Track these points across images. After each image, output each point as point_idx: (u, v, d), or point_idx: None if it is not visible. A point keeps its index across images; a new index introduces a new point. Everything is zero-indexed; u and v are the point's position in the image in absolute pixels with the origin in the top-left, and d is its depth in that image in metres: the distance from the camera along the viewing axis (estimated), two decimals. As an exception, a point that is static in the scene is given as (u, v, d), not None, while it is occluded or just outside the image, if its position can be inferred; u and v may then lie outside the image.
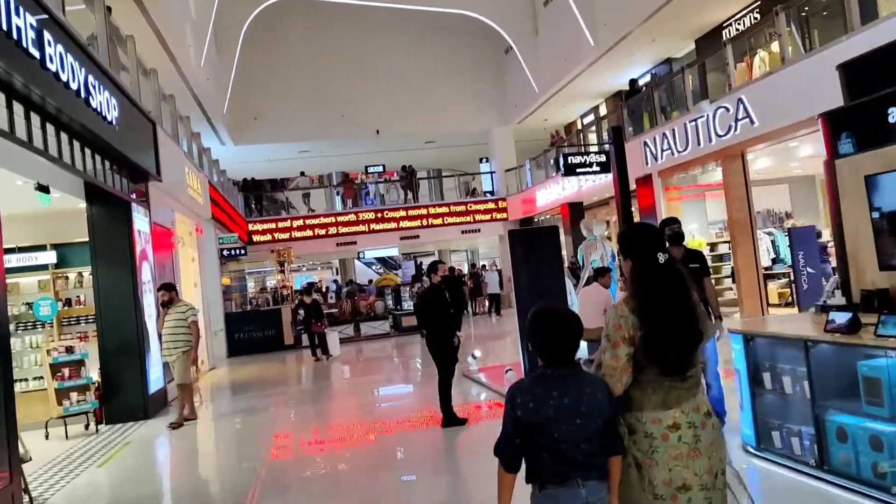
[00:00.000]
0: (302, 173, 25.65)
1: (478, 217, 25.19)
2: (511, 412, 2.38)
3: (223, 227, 17.83)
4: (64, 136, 7.23)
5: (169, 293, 8.55)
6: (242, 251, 17.77)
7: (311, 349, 14.87)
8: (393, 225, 24.38)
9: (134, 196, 9.60)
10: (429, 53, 24.86)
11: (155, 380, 9.47)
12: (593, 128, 23.35)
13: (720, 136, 13.07)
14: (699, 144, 13.70)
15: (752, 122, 12.10)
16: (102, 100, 7.57)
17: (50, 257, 9.53)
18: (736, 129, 12.55)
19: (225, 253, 17.63)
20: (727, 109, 12.76)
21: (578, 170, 9.10)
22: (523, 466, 2.42)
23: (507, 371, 8.10)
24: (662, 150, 15.10)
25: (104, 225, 9.06)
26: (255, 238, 23.12)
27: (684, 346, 2.47)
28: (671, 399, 2.46)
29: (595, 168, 9.09)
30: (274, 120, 23.79)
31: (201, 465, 7.46)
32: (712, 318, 5.56)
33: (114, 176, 8.72)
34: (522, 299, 7.96)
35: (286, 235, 22.88)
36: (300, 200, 26.29)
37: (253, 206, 24.84)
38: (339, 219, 24.20)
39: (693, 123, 13.80)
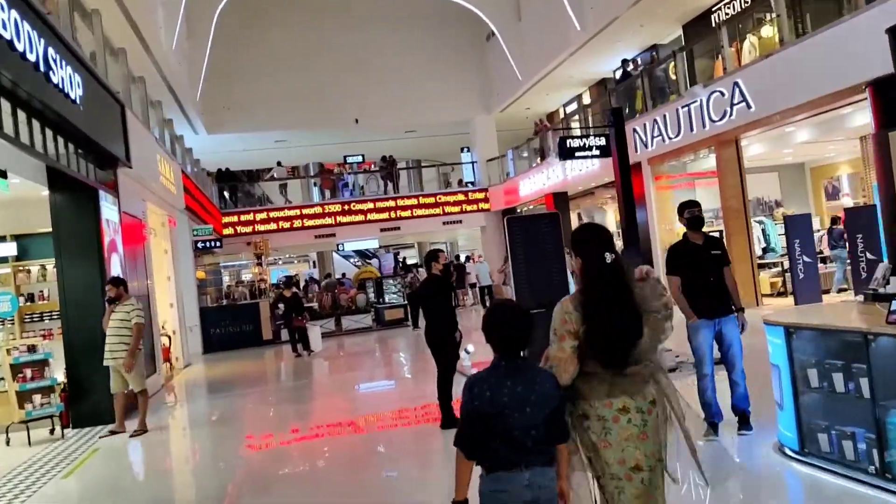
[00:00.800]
0: (279, 163, 24.92)
1: (461, 208, 24.70)
2: (469, 402, 2.53)
3: (197, 219, 17.11)
4: (22, 115, 6.57)
5: (116, 289, 7.72)
6: (217, 243, 17.07)
7: (291, 345, 14.28)
8: (373, 216, 23.79)
9: (102, 184, 8.92)
10: (409, 40, 24.23)
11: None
12: (576, 117, 22.97)
13: (714, 122, 12.71)
14: (692, 130, 13.34)
15: (748, 106, 11.73)
16: (65, 76, 6.91)
17: (10, 249, 8.82)
18: (731, 114, 12.19)
19: (199, 245, 16.92)
20: (722, 94, 12.39)
21: (577, 153, 8.62)
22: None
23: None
24: (653, 137, 14.73)
25: (69, 214, 8.38)
26: (231, 230, 22.39)
27: (624, 342, 2.61)
28: (616, 390, 2.62)
29: (595, 152, 8.61)
30: (249, 108, 23.00)
31: (176, 471, 6.87)
32: (734, 309, 5.11)
33: (79, 160, 8.05)
34: (522, 289, 7.48)
35: (263, 227, 22.16)
36: (277, 192, 25.56)
37: (228, 197, 24.05)
38: (318, 210, 23.53)
39: (686, 109, 13.43)
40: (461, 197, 24.91)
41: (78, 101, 7.34)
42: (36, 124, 6.67)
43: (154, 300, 11.62)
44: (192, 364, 14.54)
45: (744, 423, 5.03)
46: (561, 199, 20.83)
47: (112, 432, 7.80)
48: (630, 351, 2.63)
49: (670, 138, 14.08)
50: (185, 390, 11.74)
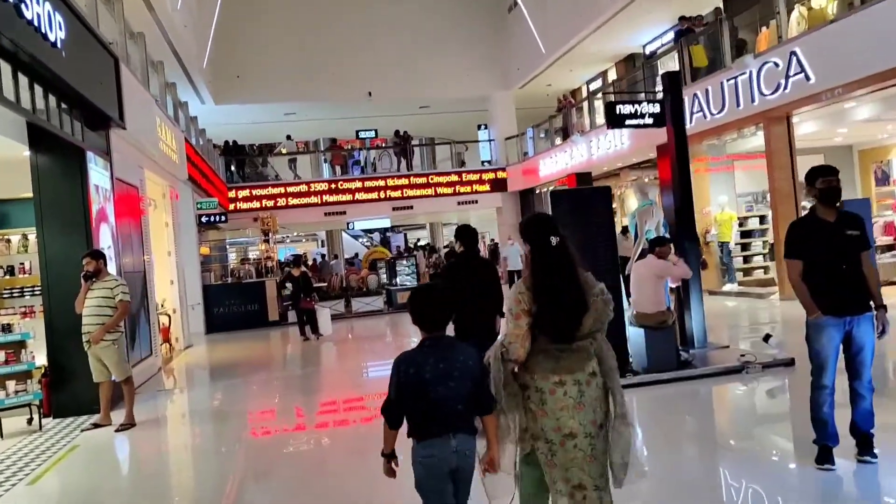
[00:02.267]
0: (288, 137, 23.91)
1: (475, 188, 23.67)
2: (395, 378, 2.77)
3: (202, 192, 16.15)
4: (5, 67, 5.62)
5: (95, 261, 6.75)
6: (222, 218, 16.11)
7: (298, 327, 13.35)
8: (385, 194, 22.79)
9: (91, 145, 7.95)
10: (427, 11, 23.10)
11: (135, 356, 7.89)
12: (599, 95, 21.82)
13: (765, 96, 11.62)
14: (738, 105, 12.24)
15: (807, 77, 10.63)
16: (41, 12, 5.91)
17: (-13, 216, 7.89)
18: (786, 87, 11.09)
19: (203, 219, 15.97)
20: (776, 65, 11.28)
21: (628, 121, 7.57)
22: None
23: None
24: (693, 113, 13.60)
25: (52, 177, 7.43)
26: (237, 205, 21.45)
27: (570, 317, 2.81)
28: (560, 367, 2.81)
29: (647, 120, 7.57)
30: (258, 78, 21.97)
31: (162, 475, 5.94)
32: (873, 305, 4.00)
33: (62, 116, 7.07)
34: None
35: (271, 203, 21.19)
36: (285, 167, 24.58)
37: (235, 171, 23.08)
38: (328, 187, 22.55)
39: (732, 82, 12.32)
40: (477, 176, 23.86)
41: (59, 46, 6.35)
42: (5, 67, 5.68)
43: (152, 277, 10.70)
44: (194, 345, 13.65)
45: (866, 447, 4.03)
46: (584, 180, 19.78)
47: (95, 425, 6.89)
48: (577, 327, 2.81)
49: (712, 114, 12.98)
50: (184, 375, 10.85)
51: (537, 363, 2.82)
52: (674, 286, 7.26)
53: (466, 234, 5.75)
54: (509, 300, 2.90)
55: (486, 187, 23.72)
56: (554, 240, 2.89)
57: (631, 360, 6.71)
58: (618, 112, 7.57)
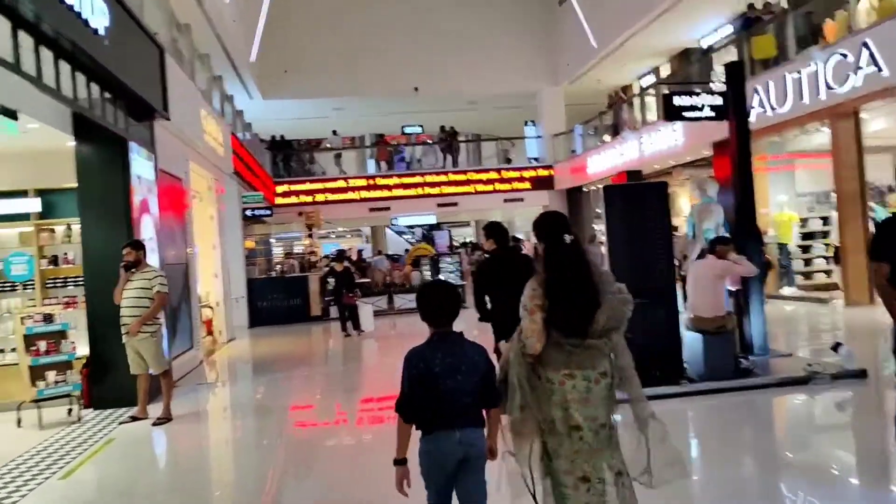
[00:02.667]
0: (334, 132, 23.88)
1: (521, 185, 23.26)
2: (406, 373, 2.86)
3: (247, 185, 16.18)
4: (46, 54, 5.55)
5: (135, 252, 6.68)
6: (268, 212, 16.11)
7: (340, 323, 13.21)
8: (430, 191, 22.57)
9: (135, 136, 7.90)
10: (475, 5, 22.73)
11: (175, 349, 7.85)
12: (652, 91, 21.17)
13: (832, 90, 10.96)
14: (802, 99, 11.59)
15: (879, 70, 9.96)
16: (84, -1, 5.82)
17: (33, 205, 7.90)
18: (856, 81, 10.43)
19: (248, 213, 15.98)
20: (844, 56, 10.63)
21: (686, 113, 7.13)
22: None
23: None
24: (752, 109, 12.97)
25: (95, 167, 7.39)
26: (283, 200, 21.52)
27: (582, 313, 2.86)
28: (572, 361, 2.86)
29: (707, 112, 7.12)
30: (306, 73, 21.98)
31: (197, 473, 5.79)
32: None
33: (105, 106, 7.01)
34: (618, 274, 6.09)
35: (316, 198, 21.18)
36: (331, 163, 24.59)
37: (281, 166, 23.17)
38: (373, 182, 22.46)
39: (796, 75, 11.67)
40: (524, 173, 23.44)
41: (102, 33, 6.26)
42: (46, 54, 5.60)
43: (195, 270, 10.68)
44: (236, 338, 13.65)
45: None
46: (635, 179, 19.16)
47: (133, 418, 6.81)
48: (589, 323, 2.84)
49: (774, 110, 12.35)
50: (225, 368, 10.80)
51: (550, 356, 2.88)
52: (733, 289, 6.81)
53: (498, 230, 5.44)
54: (524, 297, 2.94)
55: (529, 185, 23.28)
56: (567, 238, 2.95)
57: (686, 366, 6.30)
58: (675, 104, 7.14)
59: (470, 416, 2.85)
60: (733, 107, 7.14)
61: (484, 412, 2.92)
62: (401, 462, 2.84)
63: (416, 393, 2.80)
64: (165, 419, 6.72)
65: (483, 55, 22.63)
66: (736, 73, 7.16)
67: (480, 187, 22.83)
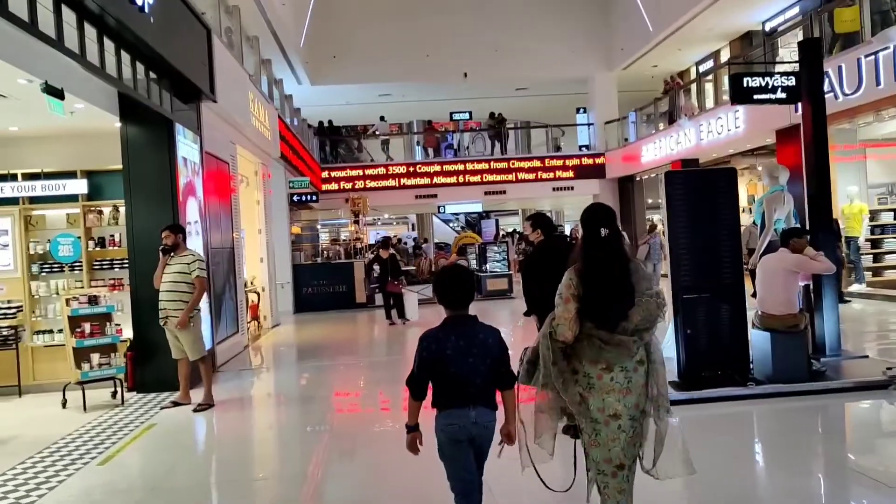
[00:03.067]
0: (382, 118, 23.71)
1: (570, 174, 22.71)
2: (419, 353, 3.00)
3: (294, 170, 16.12)
4: (90, 30, 5.43)
5: (175, 235, 6.56)
6: (314, 197, 16.03)
7: (385, 310, 13.04)
8: (478, 178, 22.23)
9: (182, 118, 7.79)
10: (526, -12, 22.22)
11: (220, 333, 7.78)
12: (710, 77, 20.35)
13: (912, 73, 10.24)
14: (878, 84, 10.85)
15: (967, 51, 9.22)
16: (127, -27, 5.67)
17: (80, 186, 7.87)
18: (940, 63, 9.69)
19: (295, 198, 15.93)
20: (927, 37, 9.88)
21: (756, 96, 6.63)
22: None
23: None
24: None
25: (140, 149, 7.32)
26: (329, 186, 21.49)
27: (616, 304, 2.94)
28: (603, 357, 2.93)
29: (779, 94, 6.60)
30: (354, 59, 21.85)
31: (236, 461, 5.63)
32: None
33: (150, 86, 6.90)
34: (681, 268, 5.72)
35: (362, 184, 21.07)
36: (378, 149, 24.47)
37: (328, 151, 23.13)
38: (420, 169, 22.24)
39: (871, 58, 10.93)
40: (575, 161, 22.88)
41: (147, 11, 6.11)
42: (90, 30, 5.47)
43: (240, 254, 10.61)
44: (281, 324, 13.62)
45: None
46: (691, 168, 18.49)
47: (175, 403, 6.72)
48: (620, 316, 2.92)
49: (846, 95, 11.61)
50: (270, 354, 10.74)
51: (583, 349, 2.96)
52: (804, 283, 6.32)
53: (544, 221, 5.49)
54: (561, 285, 3.01)
55: (584, 173, 22.70)
56: (604, 231, 3.01)
57: (752, 366, 5.87)
58: (745, 85, 6.64)
59: (482, 397, 2.95)
60: (808, 88, 6.61)
61: (498, 395, 3.02)
62: (412, 428, 3.04)
63: (424, 373, 2.96)
64: (207, 405, 6.61)
65: (534, 40, 22.13)
66: (811, 52, 6.63)
67: (527, 176, 22.38)
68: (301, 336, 12.70)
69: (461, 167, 22.26)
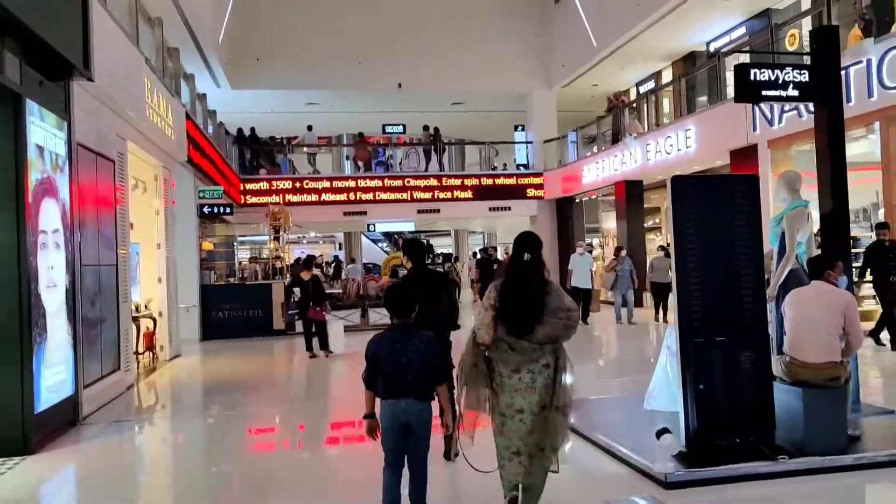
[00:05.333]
0: (309, 127, 22.03)
1: (509, 193, 21.58)
2: (366, 352, 3.67)
3: (207, 179, 14.25)
4: None
5: None
6: (227, 209, 14.19)
7: (305, 340, 11.32)
8: (409, 195, 20.78)
9: (38, 94, 6.01)
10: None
11: (50, 388, 5.95)
12: (652, 97, 19.72)
13: (887, 89, 9.49)
14: (849, 101, 10.07)
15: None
16: None
17: None
18: (922, 78, 8.95)
19: (206, 210, 14.05)
20: (905, 50, 9.15)
21: (766, 92, 5.47)
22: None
23: (661, 433, 4.55)
24: (784, 111, 11.49)
25: (-25, 131, 5.49)
26: (248, 198, 19.59)
27: (524, 315, 3.49)
28: (512, 360, 3.51)
29: (791, 91, 5.46)
30: (280, 63, 20.19)
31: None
32: None
33: (-13, 45, 5.13)
34: (689, 299, 4.40)
35: (285, 198, 19.26)
36: (304, 162, 22.72)
37: (250, 162, 21.20)
38: (349, 184, 20.63)
39: (843, 72, 10.16)
40: (512, 181, 21.78)
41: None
42: None
43: (127, 273, 8.76)
44: (182, 355, 11.66)
45: None
46: (635, 189, 17.68)
47: None
48: (527, 326, 3.47)
49: (811, 112, 10.81)
50: (160, 396, 8.88)
51: (498, 352, 3.55)
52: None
53: (412, 249, 5.21)
54: (485, 296, 3.63)
55: (522, 193, 21.63)
56: (526, 256, 3.60)
57: (777, 434, 4.55)
58: (752, 78, 5.46)
59: (414, 391, 3.54)
60: (822, 85, 5.49)
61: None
62: (368, 416, 3.64)
63: (369, 368, 3.64)
64: None
65: (472, 52, 21.06)
66: (827, 42, 5.52)
67: (463, 194, 21.13)
68: (203, 370, 10.85)
69: (393, 183, 20.79)
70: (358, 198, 20.43)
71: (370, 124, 23.13)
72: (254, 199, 19.48)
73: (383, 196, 20.58)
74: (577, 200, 21.37)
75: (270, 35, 19.90)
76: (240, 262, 19.54)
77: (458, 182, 21.31)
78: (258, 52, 19.93)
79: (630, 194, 17.62)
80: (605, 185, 18.72)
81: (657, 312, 13.73)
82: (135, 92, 8.56)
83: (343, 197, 20.37)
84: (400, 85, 21.10)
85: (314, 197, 20.10)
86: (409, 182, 20.85)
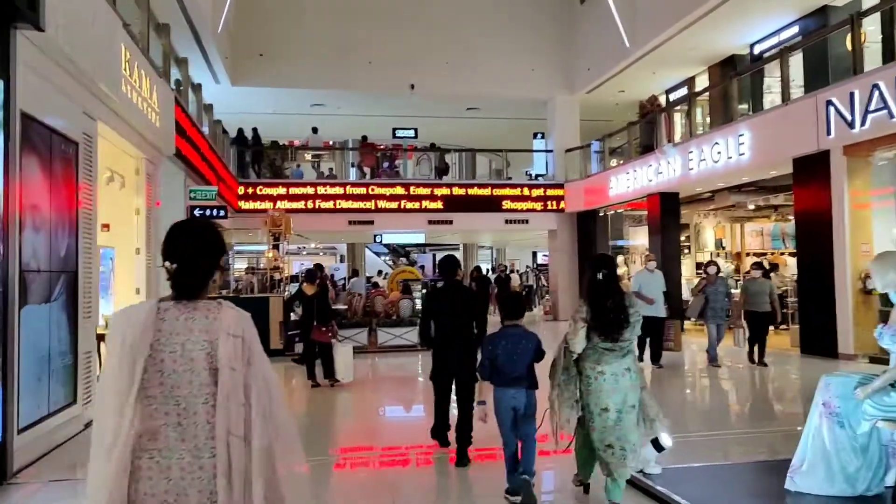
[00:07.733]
0: (314, 130, 20.50)
1: (527, 205, 20.00)
2: (482, 350, 4.61)
3: (200, 179, 12.65)
4: None
5: None
6: (221, 212, 12.57)
7: (307, 367, 9.65)
8: (419, 205, 19.18)
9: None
10: (483, -2, 19.72)
11: (26, 413, 4.30)
12: (685, 104, 18.17)
13: None
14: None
15: None
16: None
17: None
18: None
19: (197, 212, 12.41)
20: None
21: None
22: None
23: None
24: (867, 111, 9.91)
25: None
26: (248, 205, 18.01)
27: (612, 323, 4.15)
28: (602, 360, 4.16)
29: None
30: (285, 59, 18.71)
31: None
32: None
33: None
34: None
35: (287, 205, 17.67)
36: (309, 167, 21.17)
37: (251, 166, 19.62)
38: (359, 190, 19.04)
39: None
40: (531, 192, 20.20)
41: None
42: None
43: (95, 283, 7.13)
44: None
45: None
46: (670, 202, 16.08)
47: None
48: (619, 331, 4.15)
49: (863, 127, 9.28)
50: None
51: (588, 356, 4.20)
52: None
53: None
54: (575, 312, 4.26)
55: (541, 206, 20.06)
56: (601, 274, 4.26)
57: None
58: None
59: (522, 381, 4.44)
60: None
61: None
62: (481, 402, 4.63)
63: (485, 364, 4.51)
64: None
65: (490, 54, 19.60)
66: None
67: (478, 204, 19.51)
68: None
69: (404, 191, 19.21)
70: (364, 206, 18.85)
71: (380, 129, 21.62)
72: (252, 205, 17.89)
73: (392, 205, 18.99)
74: (602, 214, 19.80)
75: (275, 29, 18.46)
76: (238, 273, 17.95)
77: (474, 192, 19.74)
78: (261, 46, 18.48)
79: (665, 208, 16.02)
80: (636, 197, 17.14)
81: (751, 351, 10.49)
82: (107, 59, 6.96)
83: (349, 205, 18.78)
84: (413, 86, 19.60)
85: (317, 203, 18.50)
86: (419, 190, 19.27)
